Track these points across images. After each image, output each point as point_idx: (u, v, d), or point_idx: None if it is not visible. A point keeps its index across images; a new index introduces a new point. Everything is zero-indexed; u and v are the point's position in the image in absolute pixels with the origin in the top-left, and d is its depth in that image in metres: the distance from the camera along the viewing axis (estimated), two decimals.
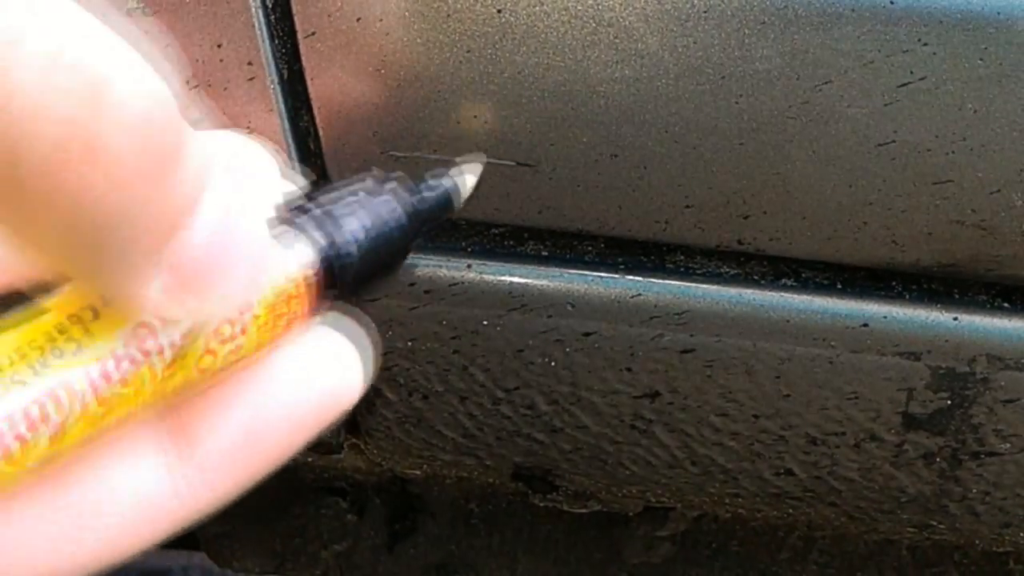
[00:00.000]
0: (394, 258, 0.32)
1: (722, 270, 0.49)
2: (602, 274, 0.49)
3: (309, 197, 0.30)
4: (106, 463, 0.26)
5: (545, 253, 0.49)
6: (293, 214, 0.29)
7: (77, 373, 0.24)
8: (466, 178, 0.38)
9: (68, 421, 0.24)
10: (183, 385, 0.26)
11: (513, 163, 0.45)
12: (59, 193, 0.20)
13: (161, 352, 0.25)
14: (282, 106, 0.45)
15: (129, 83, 0.20)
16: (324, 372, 0.28)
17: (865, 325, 0.48)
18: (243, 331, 0.27)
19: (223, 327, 0.26)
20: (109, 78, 0.20)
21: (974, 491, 0.53)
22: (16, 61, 0.18)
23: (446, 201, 0.36)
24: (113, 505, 0.26)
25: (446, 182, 0.37)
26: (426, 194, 0.35)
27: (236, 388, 0.27)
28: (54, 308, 0.25)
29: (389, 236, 0.31)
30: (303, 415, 0.28)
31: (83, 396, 0.24)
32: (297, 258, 0.28)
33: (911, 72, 0.41)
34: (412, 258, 0.49)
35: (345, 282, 0.30)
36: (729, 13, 0.41)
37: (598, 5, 0.41)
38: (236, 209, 0.24)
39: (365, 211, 0.31)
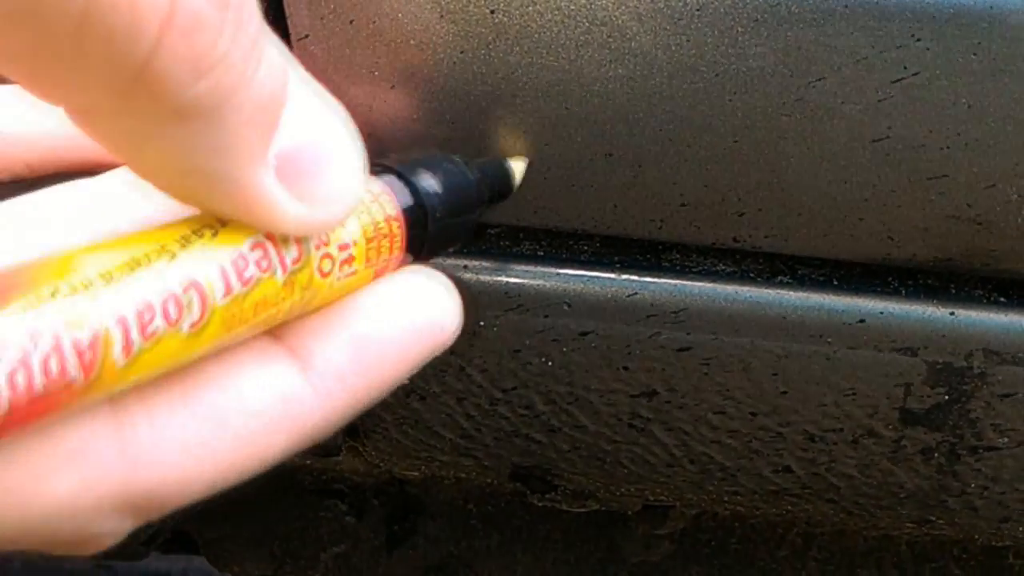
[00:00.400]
0: (466, 221, 0.36)
1: (718, 268, 0.49)
2: (598, 273, 0.49)
3: (387, 157, 0.33)
4: (236, 368, 0.27)
5: (541, 253, 0.49)
6: (377, 168, 0.32)
7: (209, 270, 0.25)
8: (517, 164, 0.42)
9: (205, 315, 0.25)
10: (296, 305, 0.28)
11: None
12: (170, 72, 0.21)
13: (277, 267, 0.27)
14: None
15: None
16: (424, 304, 0.30)
17: (862, 321, 0.48)
18: (347, 260, 0.29)
19: (331, 252, 0.28)
20: None
21: (972, 486, 0.53)
22: None
23: (505, 174, 0.41)
24: (246, 406, 0.27)
25: (502, 162, 0.42)
26: (487, 168, 0.39)
27: (343, 313, 0.29)
28: (178, 225, 0.26)
29: (462, 198, 0.35)
30: (407, 342, 0.29)
31: (216, 293, 0.25)
32: (390, 200, 0.31)
33: (904, 68, 0.41)
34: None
35: (427, 234, 0.32)
36: (722, 11, 0.41)
37: (591, 4, 0.41)
38: (327, 112, 0.27)
39: (441, 173, 0.34)
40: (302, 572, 0.79)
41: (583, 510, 0.65)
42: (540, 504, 0.64)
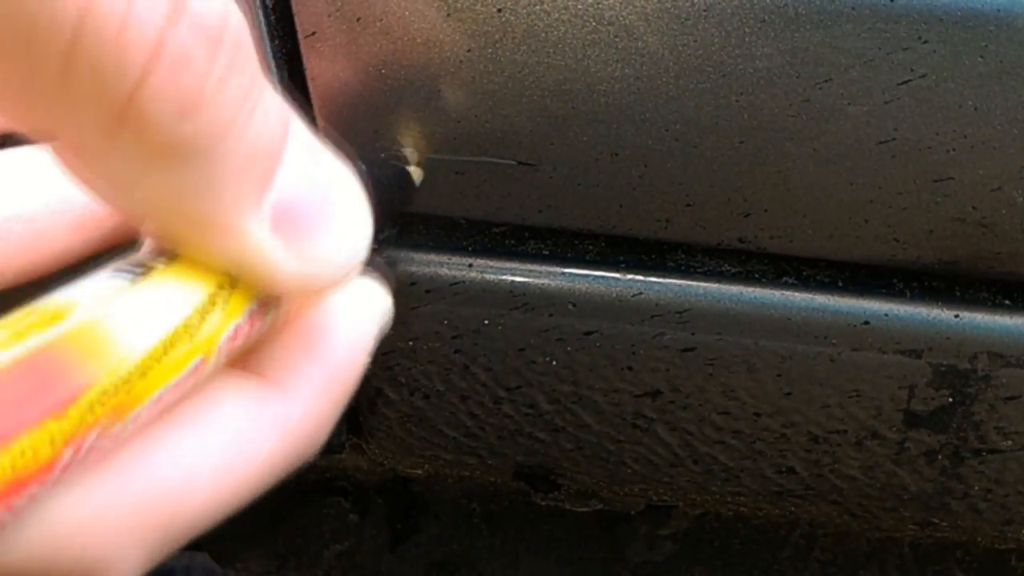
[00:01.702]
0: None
1: (723, 268, 0.49)
2: (603, 273, 0.49)
3: None
4: (208, 398, 0.27)
5: (546, 252, 0.49)
6: None
7: (217, 346, 0.25)
8: (415, 171, 0.43)
9: (193, 384, 0.25)
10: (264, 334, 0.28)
11: (514, 162, 0.45)
12: (149, 107, 0.21)
13: (254, 334, 0.26)
14: None
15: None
16: (367, 303, 0.31)
17: (866, 323, 0.48)
18: None
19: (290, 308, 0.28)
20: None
21: (976, 488, 0.53)
22: None
23: (408, 181, 0.42)
24: (223, 432, 0.27)
25: (404, 169, 0.43)
26: (383, 173, 0.40)
27: (310, 331, 0.29)
28: (199, 279, 0.25)
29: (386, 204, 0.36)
30: (364, 339, 0.30)
31: (208, 368, 0.25)
32: None
33: (911, 70, 0.41)
34: (413, 257, 0.49)
35: None
36: (729, 12, 0.41)
37: (598, 4, 0.41)
38: (330, 168, 0.26)
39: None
40: (305, 569, 0.79)
41: (586, 509, 0.65)
42: (543, 503, 0.64)
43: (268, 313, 0.27)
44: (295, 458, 0.28)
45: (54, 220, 0.29)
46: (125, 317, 0.23)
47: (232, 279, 0.25)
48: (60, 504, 0.23)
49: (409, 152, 0.46)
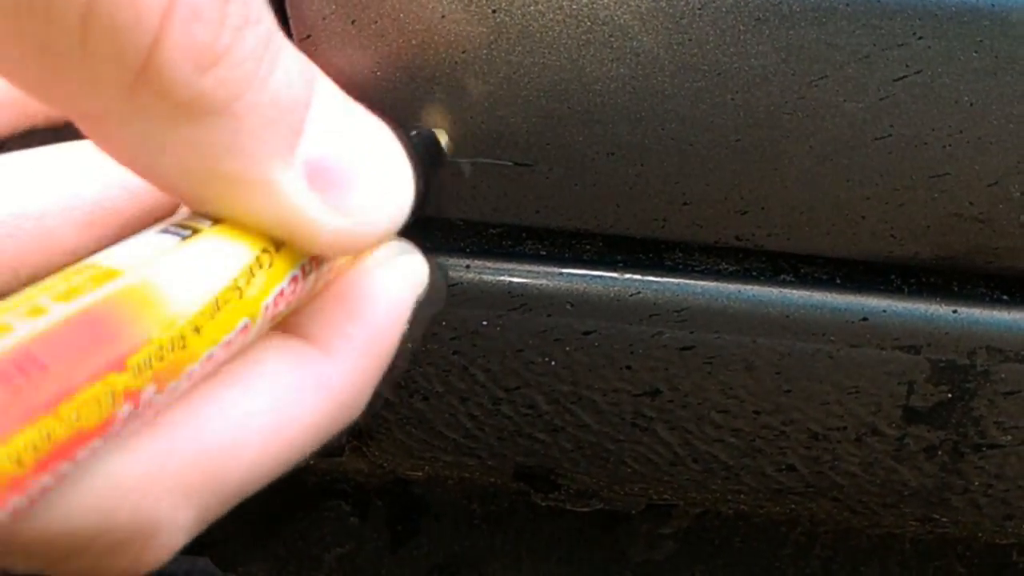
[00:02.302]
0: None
1: (720, 266, 0.49)
2: (601, 272, 0.49)
3: None
4: (254, 359, 0.27)
5: (543, 252, 0.49)
6: None
7: (259, 312, 0.25)
8: (442, 135, 0.43)
9: (236, 348, 0.25)
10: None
11: (510, 163, 0.45)
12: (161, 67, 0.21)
13: (296, 298, 0.27)
14: None
15: None
16: (405, 267, 0.31)
17: (864, 319, 0.48)
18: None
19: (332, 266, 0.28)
20: None
21: (976, 484, 0.53)
22: None
23: (435, 143, 0.42)
24: (270, 392, 0.27)
25: (432, 132, 0.42)
26: (417, 138, 0.40)
27: (351, 294, 0.29)
28: (243, 244, 0.25)
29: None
30: (404, 302, 0.30)
31: (251, 334, 0.25)
32: None
33: (907, 66, 0.41)
34: None
35: None
36: (724, 10, 0.41)
37: (592, 4, 0.41)
38: (365, 123, 0.26)
39: None
40: (306, 573, 0.79)
41: (587, 509, 0.65)
42: (544, 504, 0.64)
43: (309, 278, 0.27)
44: (339, 419, 0.28)
45: (64, 217, 0.29)
46: (177, 275, 0.23)
47: (275, 244, 0.25)
48: (114, 461, 0.23)
49: None
